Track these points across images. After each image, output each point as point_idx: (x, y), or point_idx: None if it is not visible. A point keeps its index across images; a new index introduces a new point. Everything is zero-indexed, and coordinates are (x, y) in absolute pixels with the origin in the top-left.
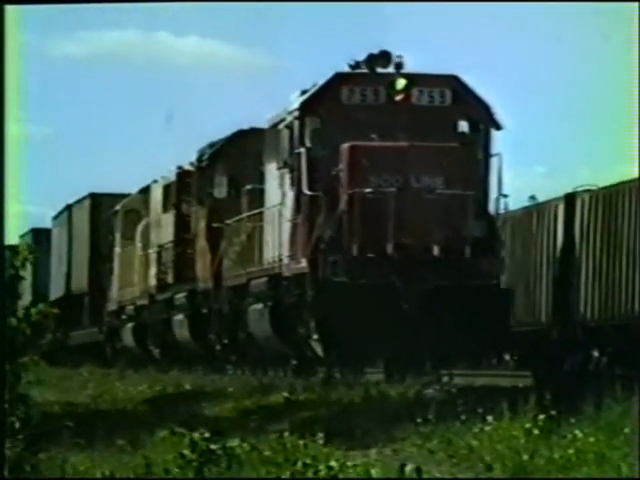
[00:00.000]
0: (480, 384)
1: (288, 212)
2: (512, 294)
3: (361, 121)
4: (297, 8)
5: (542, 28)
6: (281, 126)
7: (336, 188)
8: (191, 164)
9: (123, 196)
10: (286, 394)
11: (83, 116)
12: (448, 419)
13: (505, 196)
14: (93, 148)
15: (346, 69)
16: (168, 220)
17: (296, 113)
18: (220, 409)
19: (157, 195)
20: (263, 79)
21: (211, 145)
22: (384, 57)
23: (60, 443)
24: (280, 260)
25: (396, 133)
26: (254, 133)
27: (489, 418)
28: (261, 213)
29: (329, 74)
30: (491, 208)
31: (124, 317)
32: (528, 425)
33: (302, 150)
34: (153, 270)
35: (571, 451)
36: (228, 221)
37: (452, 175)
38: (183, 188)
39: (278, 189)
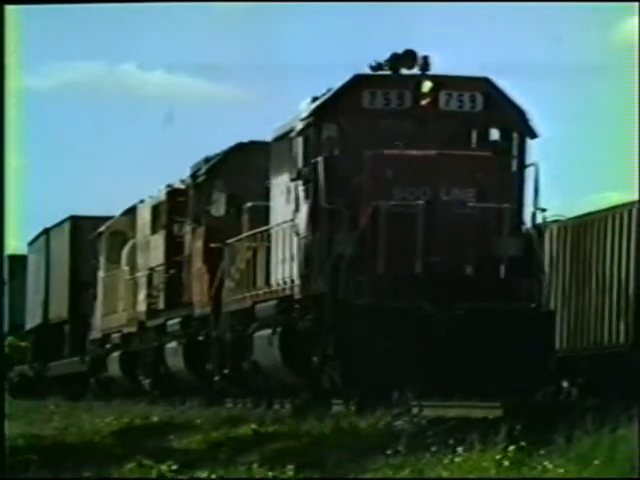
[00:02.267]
0: (450, 415)
1: (302, 228)
2: (553, 318)
3: (384, 127)
4: (266, 40)
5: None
6: (294, 134)
7: (357, 201)
8: (182, 182)
9: (105, 219)
10: (255, 426)
11: (50, 148)
12: (419, 450)
13: (543, 210)
14: (62, 179)
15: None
16: (158, 242)
17: (312, 119)
18: (188, 441)
19: (145, 216)
20: (231, 112)
21: (207, 160)
22: (409, 57)
23: (25, 476)
24: (292, 281)
25: (422, 141)
26: (255, 146)
27: (459, 449)
28: (267, 231)
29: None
30: (527, 223)
31: (109, 346)
32: (498, 456)
33: (319, 159)
34: (142, 295)
35: None
36: (229, 240)
37: (485, 187)
38: (174, 207)
39: (286, 205)
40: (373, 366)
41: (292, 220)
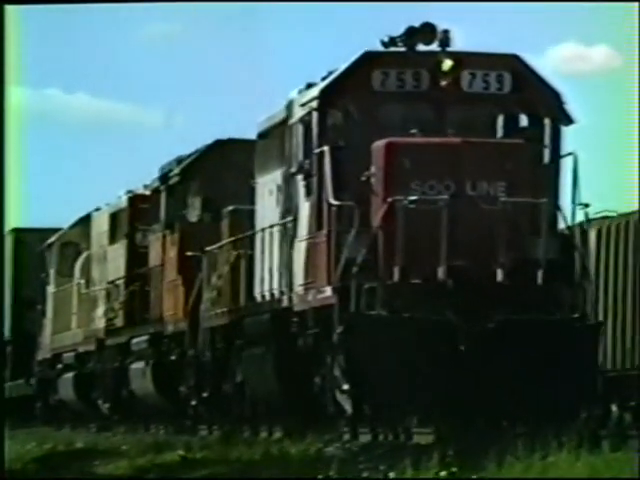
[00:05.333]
0: (381, 440)
1: (303, 229)
2: (600, 330)
3: (398, 112)
4: (194, 62)
5: None
6: (293, 121)
7: (369, 197)
8: (146, 187)
9: (52, 231)
10: (182, 452)
11: None
12: (350, 476)
13: (586, 205)
14: None
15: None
16: (117, 252)
17: (315, 103)
18: (114, 467)
19: (101, 225)
20: (156, 138)
21: (179, 160)
22: (427, 31)
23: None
24: (290, 291)
25: (442, 127)
26: (235, 144)
27: (391, 475)
28: (255, 235)
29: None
30: (566, 222)
31: (61, 366)
32: None
33: (325, 149)
34: (100, 311)
35: None
36: (208, 248)
37: (517, 179)
38: (137, 214)
39: (277, 205)
40: (389, 388)
41: (294, 220)
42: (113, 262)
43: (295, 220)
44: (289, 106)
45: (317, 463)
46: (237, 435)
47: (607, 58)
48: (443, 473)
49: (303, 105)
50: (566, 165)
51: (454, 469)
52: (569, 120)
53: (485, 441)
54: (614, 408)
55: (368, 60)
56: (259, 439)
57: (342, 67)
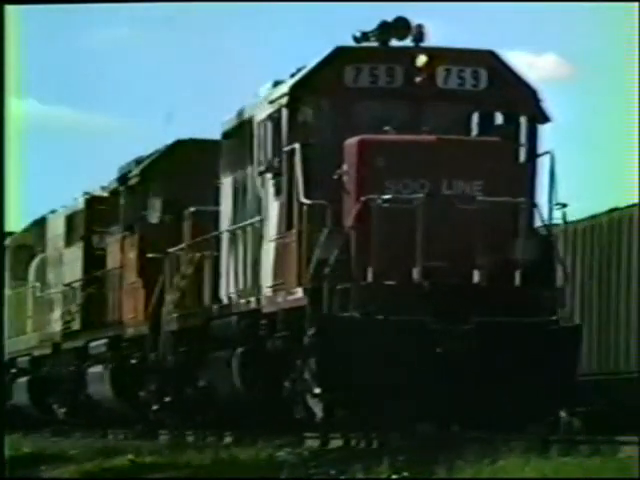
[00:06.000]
0: (334, 446)
1: (272, 229)
2: (580, 333)
3: (372, 109)
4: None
5: None
6: (261, 118)
7: (340, 196)
8: (103, 188)
9: (6, 234)
10: (131, 456)
11: None
12: None
13: (564, 205)
14: None
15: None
16: (74, 255)
17: (285, 100)
18: (60, 472)
19: (57, 227)
20: (100, 141)
21: (138, 161)
22: (401, 25)
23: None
24: (258, 293)
25: (417, 125)
26: (197, 144)
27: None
28: (223, 235)
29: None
30: (543, 222)
31: (15, 370)
32: None
33: (296, 146)
34: (57, 314)
35: None
36: (171, 250)
37: (494, 178)
38: (94, 217)
39: (243, 206)
40: (362, 394)
41: (261, 220)
42: (69, 265)
43: (263, 220)
44: (253, 105)
45: (267, 468)
46: (188, 440)
47: (556, 66)
48: (394, 477)
49: (272, 102)
50: (543, 164)
51: (405, 473)
52: (545, 118)
53: (435, 445)
54: (563, 414)
55: (340, 55)
56: (209, 443)
57: (313, 62)
